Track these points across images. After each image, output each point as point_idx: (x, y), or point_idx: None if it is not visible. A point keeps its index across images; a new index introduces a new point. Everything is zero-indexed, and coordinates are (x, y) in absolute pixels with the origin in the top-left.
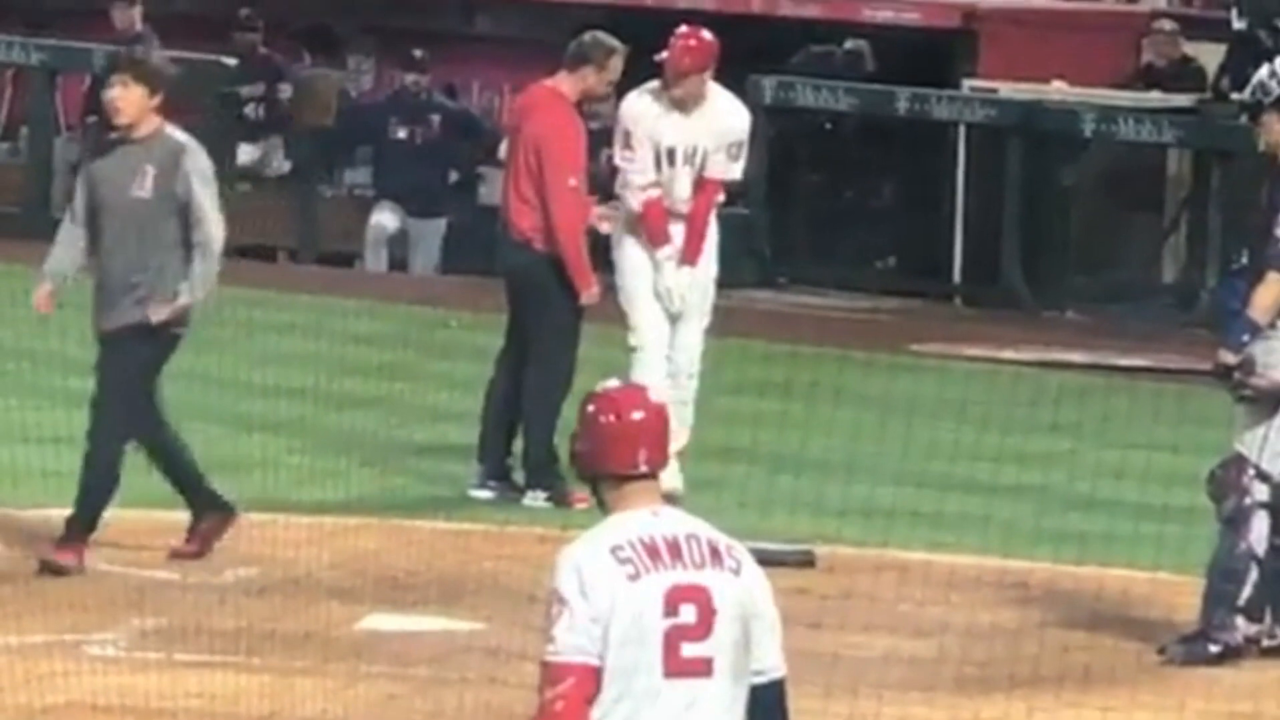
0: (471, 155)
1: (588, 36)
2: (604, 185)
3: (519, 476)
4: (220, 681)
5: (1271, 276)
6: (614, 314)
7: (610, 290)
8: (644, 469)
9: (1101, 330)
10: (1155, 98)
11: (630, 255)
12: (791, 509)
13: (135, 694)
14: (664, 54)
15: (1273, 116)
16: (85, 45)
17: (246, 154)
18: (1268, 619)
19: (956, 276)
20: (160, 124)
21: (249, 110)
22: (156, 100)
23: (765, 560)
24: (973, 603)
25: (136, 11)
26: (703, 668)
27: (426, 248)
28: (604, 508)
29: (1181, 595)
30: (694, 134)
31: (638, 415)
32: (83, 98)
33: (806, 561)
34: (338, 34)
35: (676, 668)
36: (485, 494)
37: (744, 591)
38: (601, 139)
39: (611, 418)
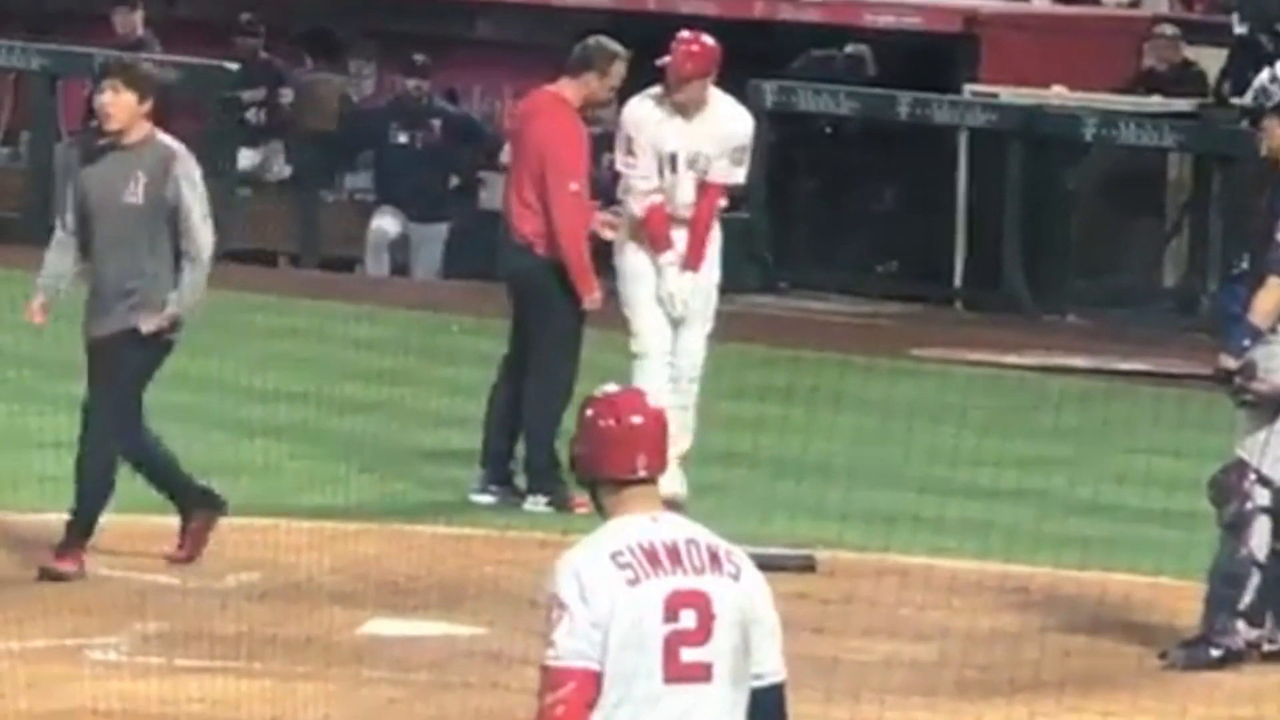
0: (473, 160)
1: (590, 41)
2: (606, 190)
3: (520, 481)
4: (222, 686)
5: (1272, 281)
6: (616, 319)
7: (612, 295)
8: (642, 474)
9: (1103, 335)
10: (1156, 102)
11: (632, 261)
12: (792, 513)
13: (137, 699)
14: (666, 59)
15: (1274, 121)
16: (87, 50)
17: (248, 159)
18: (1269, 624)
19: (958, 281)
20: (151, 130)
21: (250, 115)
22: (147, 106)
23: (766, 565)
24: (974, 607)
25: (138, 16)
26: (702, 673)
27: (428, 252)
28: (603, 512)
29: (1183, 600)
30: (696, 139)
31: (636, 420)
32: (84, 103)
33: (807, 566)
34: (339, 39)
35: (676, 673)
36: (486, 499)
37: (743, 597)
38: (603, 144)
39: (610, 422)
